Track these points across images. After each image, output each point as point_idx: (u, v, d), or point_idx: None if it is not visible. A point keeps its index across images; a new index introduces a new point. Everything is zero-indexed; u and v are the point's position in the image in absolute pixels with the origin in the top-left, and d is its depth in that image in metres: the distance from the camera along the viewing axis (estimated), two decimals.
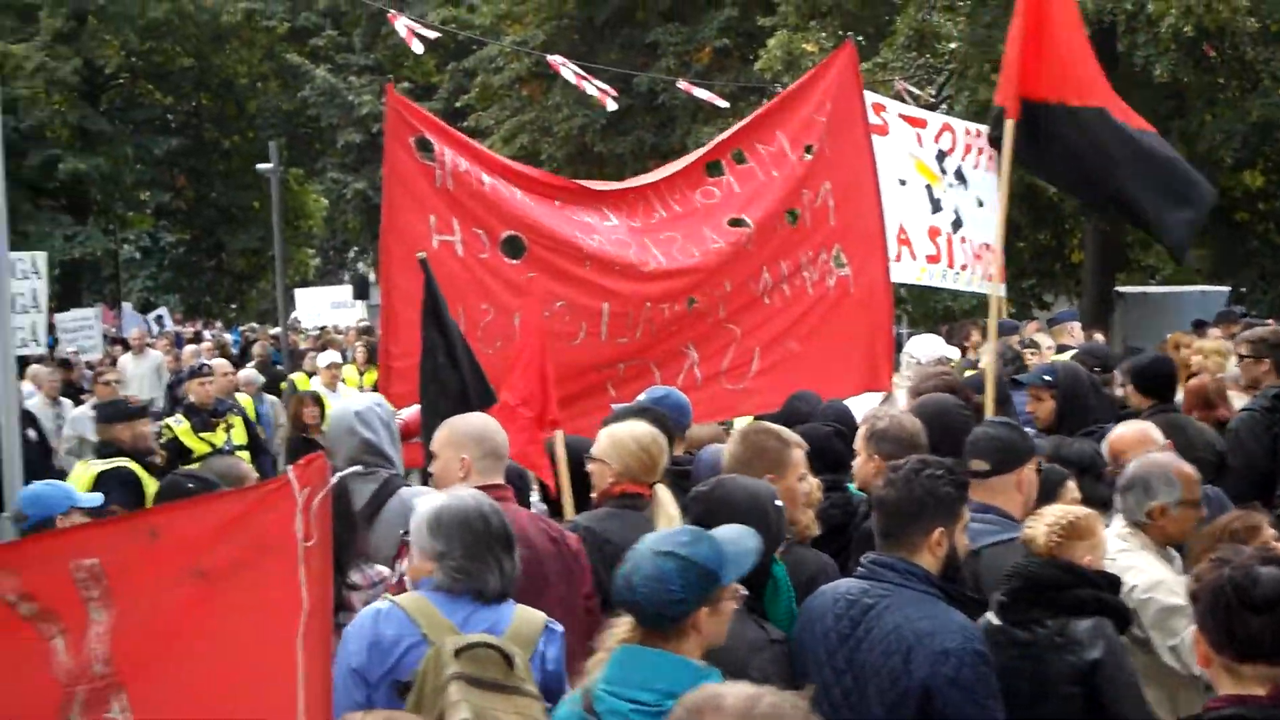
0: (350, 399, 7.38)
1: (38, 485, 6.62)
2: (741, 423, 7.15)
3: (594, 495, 6.09)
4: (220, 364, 14.48)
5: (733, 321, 9.07)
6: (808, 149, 9.32)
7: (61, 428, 13.98)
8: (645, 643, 3.75)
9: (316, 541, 3.00)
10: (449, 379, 6.97)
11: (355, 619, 4.31)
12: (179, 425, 11.89)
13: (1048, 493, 5.38)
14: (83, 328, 21.95)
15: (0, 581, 2.99)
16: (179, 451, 11.64)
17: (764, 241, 9.11)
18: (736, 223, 9.09)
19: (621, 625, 3.83)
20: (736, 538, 3.90)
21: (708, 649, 3.82)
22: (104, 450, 9.79)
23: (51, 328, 21.04)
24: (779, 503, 4.76)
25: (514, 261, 8.39)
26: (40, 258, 15.35)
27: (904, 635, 4.23)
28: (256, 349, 22.17)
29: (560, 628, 4.49)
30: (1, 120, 9.20)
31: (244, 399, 13.98)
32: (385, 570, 5.31)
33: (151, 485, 8.70)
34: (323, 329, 30.49)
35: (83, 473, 9.91)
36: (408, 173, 8.25)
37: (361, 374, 17.60)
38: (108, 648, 2.99)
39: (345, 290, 40.28)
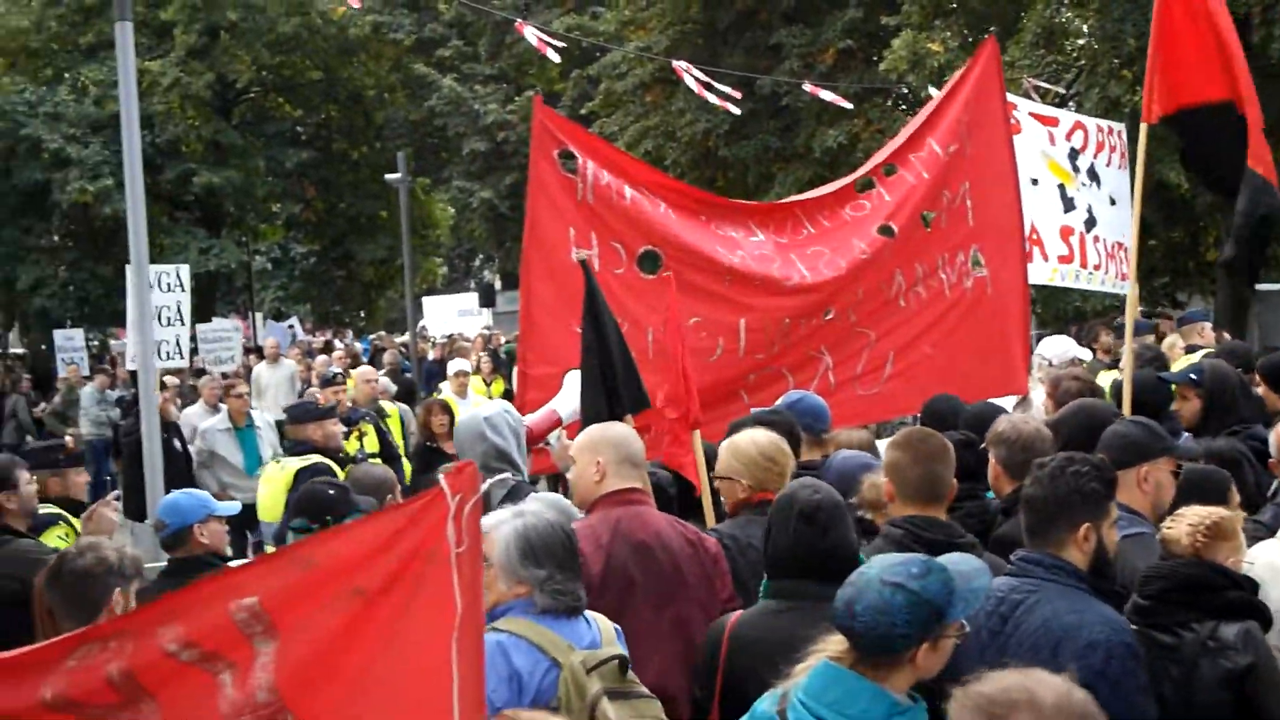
0: (481, 406, 7.45)
1: (176, 494, 6.76)
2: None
3: (727, 508, 6.09)
4: (366, 371, 14.66)
5: (866, 325, 9.01)
6: (950, 149, 9.25)
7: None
8: (855, 666, 3.70)
9: (467, 547, 3.02)
10: (604, 381, 6.97)
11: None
12: None
13: (1215, 496, 5.24)
14: (222, 339, 22.38)
15: (162, 633, 3.06)
16: None
17: (901, 244, 9.05)
18: (885, 230, 9.04)
19: (836, 640, 3.77)
20: (969, 573, 3.80)
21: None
22: (298, 448, 10.30)
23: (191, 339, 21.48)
24: None
25: (649, 277, 8.40)
26: (183, 270, 15.42)
27: (1051, 629, 4.22)
28: (386, 357, 22.45)
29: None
30: (140, 136, 9.40)
31: (390, 406, 14.08)
32: None
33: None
34: (450, 337, 30.83)
35: (277, 473, 10.15)
36: (550, 184, 8.32)
37: (488, 384, 17.66)
38: (271, 676, 3.04)
39: (471, 298, 40.69)
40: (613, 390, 6.88)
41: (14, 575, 6.25)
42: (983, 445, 6.15)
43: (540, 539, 4.32)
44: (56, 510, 7.71)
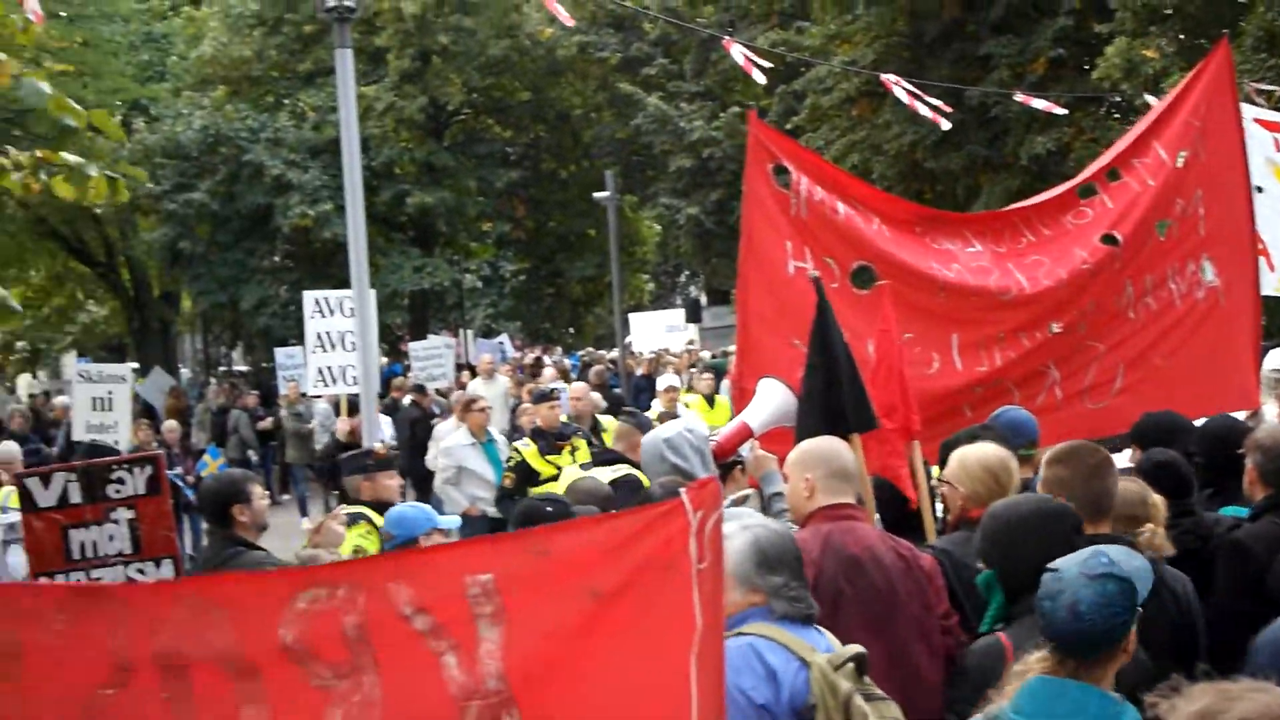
0: (663, 426, 7.49)
1: (403, 507, 6.92)
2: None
3: (949, 518, 6.03)
4: (579, 388, 14.77)
5: (1095, 338, 8.75)
6: (1181, 156, 8.97)
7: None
8: (1075, 673, 3.68)
9: (709, 563, 3.01)
10: (826, 400, 6.91)
11: (733, 655, 4.20)
12: (527, 449, 12.25)
13: None
14: (434, 356, 22.70)
15: (396, 593, 3.08)
16: (527, 474, 12.01)
17: (1131, 255, 8.78)
18: (1108, 239, 8.77)
19: (1035, 655, 3.75)
20: (1129, 555, 3.83)
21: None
22: (606, 456, 10.09)
23: (405, 355, 21.88)
24: None
25: (863, 292, 8.31)
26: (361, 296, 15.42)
27: None
28: (593, 373, 22.65)
29: None
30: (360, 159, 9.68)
31: (605, 421, 14.07)
32: None
33: None
34: (657, 353, 31.00)
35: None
36: (765, 199, 8.30)
37: (711, 405, 17.17)
38: (500, 664, 3.03)
39: (678, 314, 40.86)
40: (838, 410, 6.81)
41: None
42: (1240, 451, 6.08)
43: (774, 547, 4.38)
44: (359, 510, 8.29)
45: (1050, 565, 3.83)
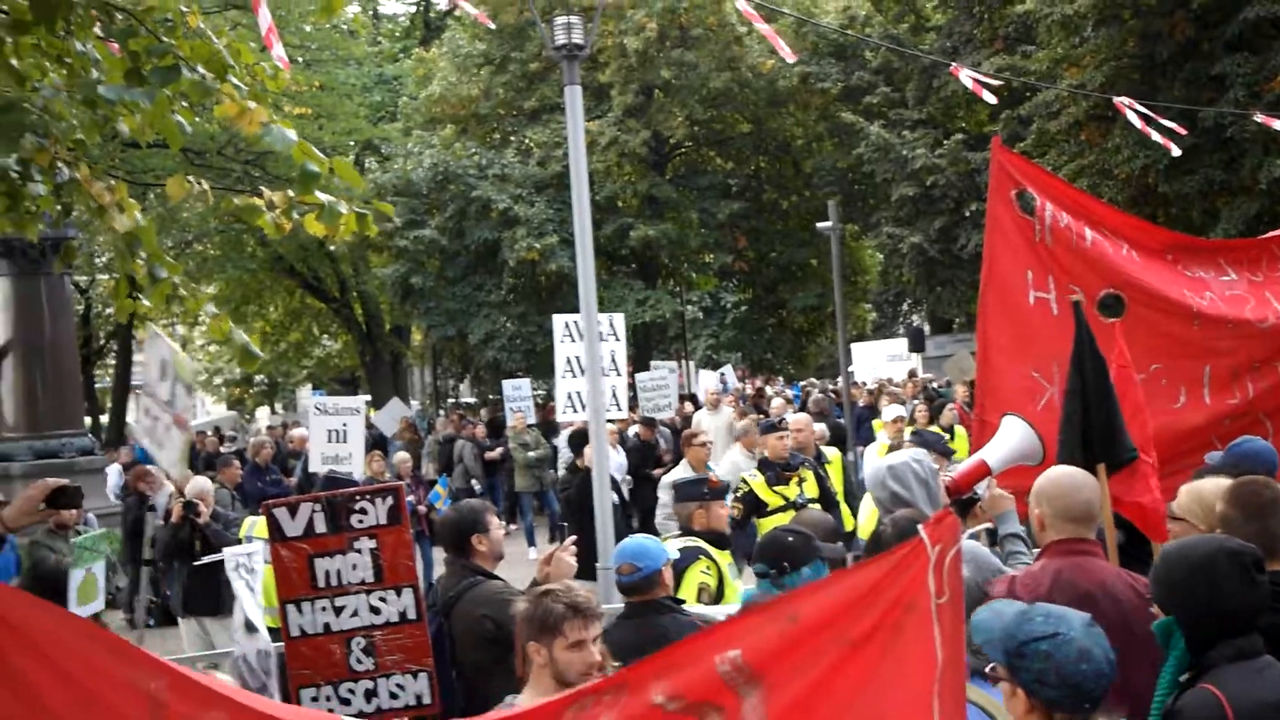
0: (891, 454, 7.40)
1: (640, 539, 6.96)
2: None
3: None
4: (802, 419, 14.68)
5: None
6: None
7: None
8: None
9: (949, 598, 3.01)
10: (1082, 427, 6.78)
11: None
12: (754, 479, 12.23)
13: None
14: (659, 386, 22.76)
15: (649, 687, 3.19)
16: (754, 505, 11.99)
17: None
18: None
19: None
20: None
21: None
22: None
23: (631, 387, 22.04)
24: None
25: (1110, 320, 8.11)
26: (618, 320, 15.52)
27: None
28: (812, 404, 22.54)
29: None
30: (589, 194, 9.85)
31: (831, 453, 13.92)
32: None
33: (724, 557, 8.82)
34: (880, 382, 30.72)
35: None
36: (1007, 226, 8.20)
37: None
38: (763, 715, 3.12)
39: (900, 344, 40.48)
40: (1088, 439, 6.68)
41: (488, 615, 6.62)
42: None
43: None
44: (695, 543, 8.24)
45: None
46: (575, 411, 13.92)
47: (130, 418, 39.03)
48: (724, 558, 8.37)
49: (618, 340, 14.45)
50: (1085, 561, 5.21)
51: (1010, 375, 7.88)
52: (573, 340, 13.86)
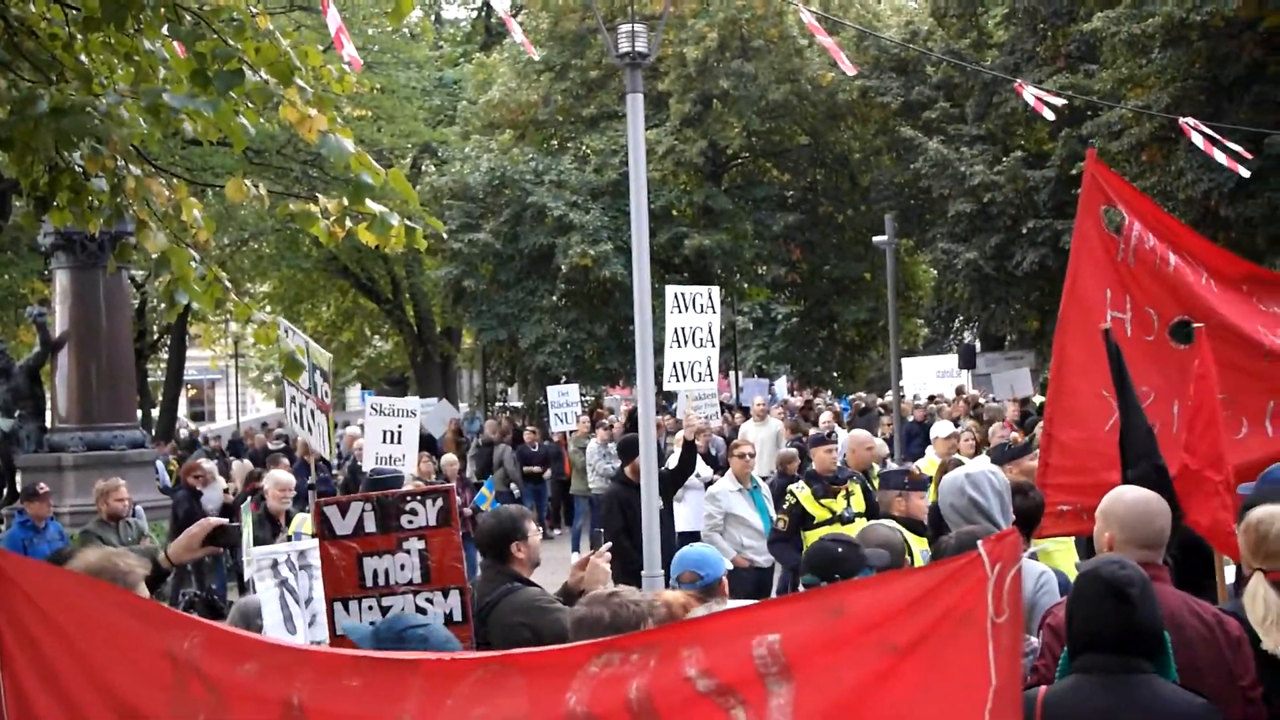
0: (970, 463, 7.40)
1: (701, 548, 6.96)
2: None
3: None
4: (864, 436, 14.57)
5: None
6: None
7: None
8: None
9: (1008, 618, 2.96)
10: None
11: None
12: (801, 491, 12.18)
13: None
14: (705, 398, 22.72)
15: (687, 658, 3.14)
16: (801, 517, 11.95)
17: None
18: None
19: None
20: None
21: None
22: None
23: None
24: None
25: (1180, 347, 8.05)
26: (715, 293, 14.87)
27: None
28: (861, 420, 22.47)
29: None
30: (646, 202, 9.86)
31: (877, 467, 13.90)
32: (1034, 640, 5.26)
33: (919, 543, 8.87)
34: (931, 398, 30.54)
35: None
36: (1092, 241, 8.15)
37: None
38: (792, 718, 3.06)
39: (950, 359, 40.24)
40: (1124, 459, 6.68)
41: (525, 623, 6.62)
42: None
43: None
44: (896, 528, 8.06)
45: None
46: (678, 381, 13.89)
47: (181, 411, 39.30)
48: (919, 543, 8.50)
49: (714, 313, 14.37)
50: (1157, 588, 5.11)
51: (1086, 394, 7.82)
52: (680, 311, 13.89)
